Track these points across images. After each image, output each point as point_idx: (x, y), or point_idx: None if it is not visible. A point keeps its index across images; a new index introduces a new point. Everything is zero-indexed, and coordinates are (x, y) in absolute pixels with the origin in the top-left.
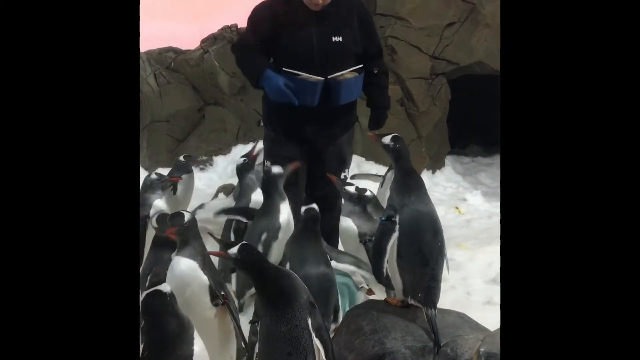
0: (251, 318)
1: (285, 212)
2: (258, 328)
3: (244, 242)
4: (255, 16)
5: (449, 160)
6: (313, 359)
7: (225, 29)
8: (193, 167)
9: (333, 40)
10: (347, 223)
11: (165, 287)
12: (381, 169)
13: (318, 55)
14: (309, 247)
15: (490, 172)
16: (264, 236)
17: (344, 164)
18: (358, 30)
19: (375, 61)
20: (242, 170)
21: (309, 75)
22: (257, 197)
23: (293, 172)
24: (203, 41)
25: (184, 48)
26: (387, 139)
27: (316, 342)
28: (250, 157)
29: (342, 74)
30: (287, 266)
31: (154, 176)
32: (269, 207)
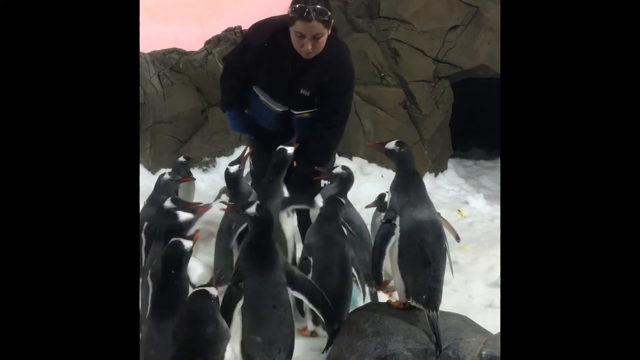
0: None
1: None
2: (242, 286)
3: (259, 202)
4: (254, 33)
5: (451, 163)
6: (290, 310)
7: (229, 30)
8: (192, 170)
9: (301, 92)
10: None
11: (213, 290)
12: (384, 171)
13: (283, 99)
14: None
15: (493, 175)
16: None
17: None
18: (328, 82)
19: (324, 121)
20: (237, 177)
21: (271, 103)
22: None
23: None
24: (207, 43)
25: (187, 49)
26: (391, 145)
27: (293, 294)
28: (241, 162)
29: (301, 113)
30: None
31: (166, 176)
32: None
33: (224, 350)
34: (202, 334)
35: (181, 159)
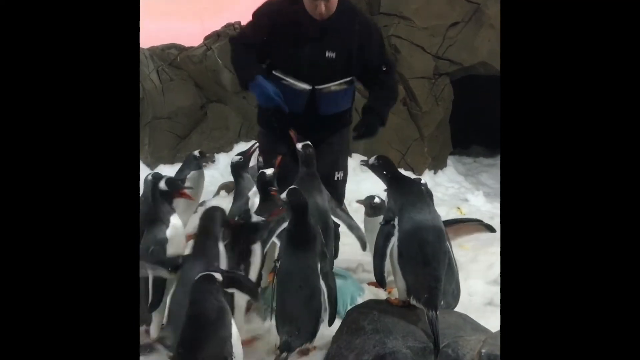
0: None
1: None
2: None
3: (292, 187)
4: (260, 13)
5: (451, 160)
6: (319, 296)
7: (229, 26)
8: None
9: (326, 55)
10: None
11: (218, 276)
12: None
13: (308, 67)
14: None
15: (492, 172)
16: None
17: (337, 165)
18: (357, 48)
19: (378, 75)
20: (237, 168)
21: (295, 82)
22: (254, 196)
23: (281, 168)
24: (206, 38)
25: (187, 45)
26: (371, 160)
27: (322, 284)
28: (246, 155)
29: (329, 86)
30: None
31: (149, 177)
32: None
33: (230, 324)
34: (207, 313)
35: (195, 153)
